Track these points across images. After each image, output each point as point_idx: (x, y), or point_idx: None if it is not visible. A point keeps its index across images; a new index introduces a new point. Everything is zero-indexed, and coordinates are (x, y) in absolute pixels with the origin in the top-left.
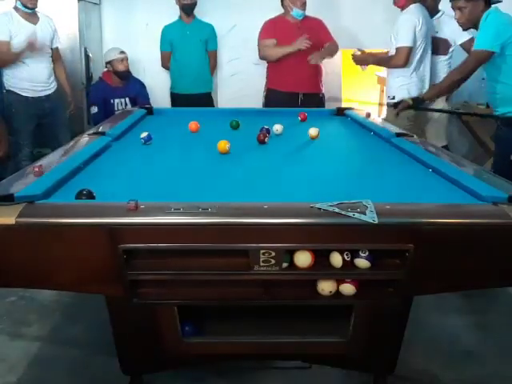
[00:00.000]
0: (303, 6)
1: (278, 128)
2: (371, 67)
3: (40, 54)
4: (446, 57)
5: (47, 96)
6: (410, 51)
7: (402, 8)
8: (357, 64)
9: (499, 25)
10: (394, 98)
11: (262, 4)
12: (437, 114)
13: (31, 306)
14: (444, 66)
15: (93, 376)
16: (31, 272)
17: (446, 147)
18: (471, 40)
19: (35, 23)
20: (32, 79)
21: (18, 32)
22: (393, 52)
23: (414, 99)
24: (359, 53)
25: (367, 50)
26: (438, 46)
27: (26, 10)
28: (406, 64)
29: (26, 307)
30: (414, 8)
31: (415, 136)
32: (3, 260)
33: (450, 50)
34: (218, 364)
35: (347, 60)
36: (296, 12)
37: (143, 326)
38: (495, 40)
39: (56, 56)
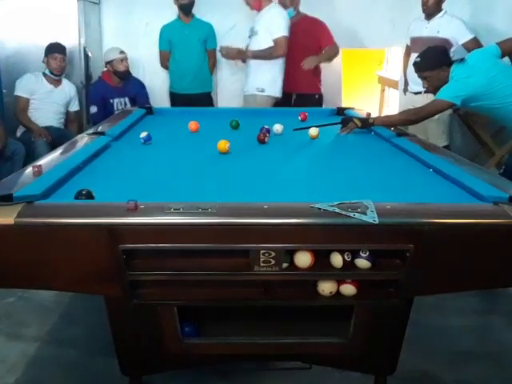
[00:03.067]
0: (285, 6)
1: (278, 128)
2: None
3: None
4: None
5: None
6: (287, 40)
7: (259, 10)
8: (228, 59)
9: (462, 79)
10: (263, 90)
11: None
12: (437, 115)
13: (30, 307)
14: None
15: (92, 377)
16: (30, 272)
17: (447, 147)
18: (473, 40)
19: (56, 86)
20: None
21: (38, 90)
22: (259, 47)
23: (363, 121)
24: (229, 46)
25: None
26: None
27: (53, 77)
28: (285, 53)
29: (25, 308)
30: (277, 4)
31: (416, 136)
32: (2, 260)
33: (452, 50)
34: (218, 364)
35: (347, 60)
36: None
37: (143, 326)
38: (457, 93)
39: (71, 118)
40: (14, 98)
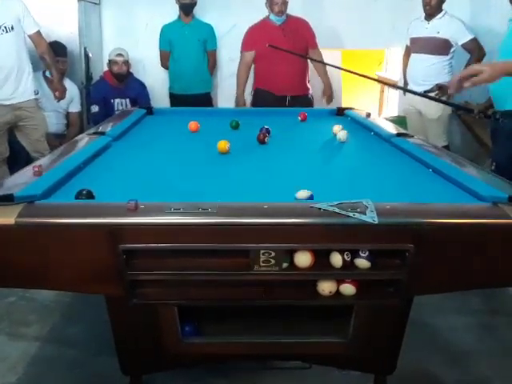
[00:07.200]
0: (280, 13)
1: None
2: None
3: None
4: (447, 57)
5: None
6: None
7: None
8: None
9: None
10: (38, 92)
11: (261, 4)
12: (437, 115)
13: (31, 306)
14: (445, 67)
15: (92, 376)
16: (31, 272)
17: (446, 147)
18: (473, 40)
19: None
20: None
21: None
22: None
23: (484, 112)
24: None
25: None
26: (439, 46)
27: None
28: None
29: (26, 307)
30: None
31: (415, 136)
32: (3, 260)
33: (451, 50)
34: (217, 364)
35: (347, 60)
36: (274, 17)
37: (143, 326)
38: None
39: (72, 121)
40: None
